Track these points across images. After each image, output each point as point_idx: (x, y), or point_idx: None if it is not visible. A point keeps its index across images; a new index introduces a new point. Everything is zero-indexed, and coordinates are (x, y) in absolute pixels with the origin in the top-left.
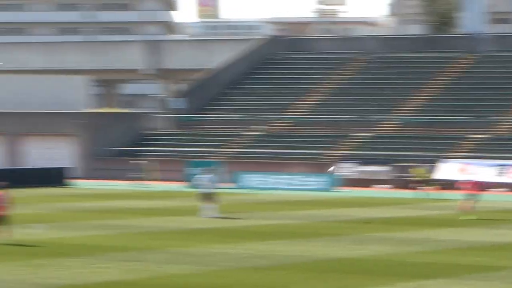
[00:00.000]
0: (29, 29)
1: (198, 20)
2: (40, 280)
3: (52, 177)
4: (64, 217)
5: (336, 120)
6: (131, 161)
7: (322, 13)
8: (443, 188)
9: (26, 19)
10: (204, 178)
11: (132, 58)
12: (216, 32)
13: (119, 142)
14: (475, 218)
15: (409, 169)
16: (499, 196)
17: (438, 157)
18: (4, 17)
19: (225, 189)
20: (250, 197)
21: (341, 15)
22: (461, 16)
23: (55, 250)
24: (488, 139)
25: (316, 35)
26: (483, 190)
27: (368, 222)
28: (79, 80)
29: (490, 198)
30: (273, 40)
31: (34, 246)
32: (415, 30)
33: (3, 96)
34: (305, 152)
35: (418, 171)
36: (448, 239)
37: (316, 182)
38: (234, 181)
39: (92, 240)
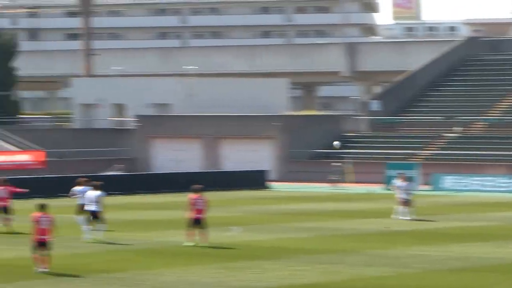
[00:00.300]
0: (227, 32)
1: (394, 22)
2: (238, 282)
3: (252, 179)
4: (261, 219)
5: None
6: (332, 164)
7: None
8: None
9: (224, 23)
10: (401, 184)
11: (331, 60)
12: (412, 34)
13: (317, 145)
14: None
15: None
16: None
17: None
18: (203, 21)
19: (421, 191)
20: (446, 199)
21: None
22: None
23: (251, 252)
24: None
25: None
26: None
27: None
28: (278, 83)
29: None
30: (472, 41)
31: (231, 248)
32: None
33: (204, 100)
34: (501, 154)
35: None
36: None
37: (509, 184)
38: (430, 183)
39: (288, 242)
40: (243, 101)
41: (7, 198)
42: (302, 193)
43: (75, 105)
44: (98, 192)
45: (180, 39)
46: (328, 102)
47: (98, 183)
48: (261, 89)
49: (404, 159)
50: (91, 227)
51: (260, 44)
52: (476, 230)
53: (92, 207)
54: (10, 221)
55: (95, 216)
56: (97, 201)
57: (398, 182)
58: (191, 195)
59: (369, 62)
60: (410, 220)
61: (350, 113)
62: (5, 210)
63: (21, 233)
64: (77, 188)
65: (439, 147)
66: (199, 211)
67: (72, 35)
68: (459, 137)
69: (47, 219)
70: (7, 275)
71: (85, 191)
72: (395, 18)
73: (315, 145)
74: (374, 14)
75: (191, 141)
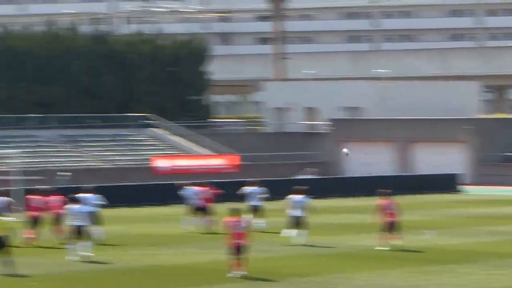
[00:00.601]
0: (419, 35)
1: None
2: (435, 286)
3: (443, 183)
4: (454, 223)
5: None
6: None
7: None
8: None
9: (416, 26)
10: None
11: None
12: None
13: (510, 148)
14: None
15: None
16: None
17: None
18: (395, 24)
19: None
20: None
21: None
22: None
23: (445, 256)
24: None
25: None
26: None
27: None
28: (470, 86)
29: None
30: None
31: (425, 252)
32: None
33: (397, 103)
34: None
35: None
36: None
37: None
38: None
39: (481, 246)
40: (435, 105)
41: (208, 199)
42: (495, 197)
43: (267, 109)
44: (301, 197)
45: (371, 43)
46: None
47: (303, 187)
48: (453, 92)
49: None
50: (296, 231)
51: (451, 47)
52: None
53: (297, 213)
54: (210, 223)
55: (299, 221)
56: (302, 206)
57: None
58: (380, 201)
59: None
60: None
61: None
62: (205, 210)
63: (215, 234)
64: (247, 188)
65: None
66: (391, 215)
67: (263, 39)
68: None
69: (242, 223)
70: (202, 278)
71: (255, 192)
72: None
73: (507, 148)
74: None
75: (382, 145)
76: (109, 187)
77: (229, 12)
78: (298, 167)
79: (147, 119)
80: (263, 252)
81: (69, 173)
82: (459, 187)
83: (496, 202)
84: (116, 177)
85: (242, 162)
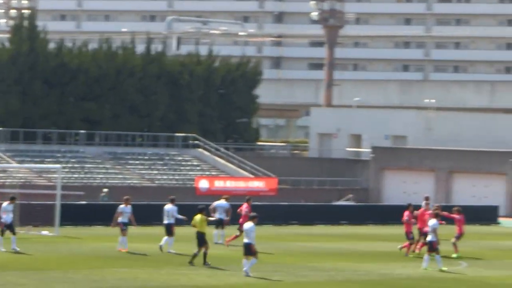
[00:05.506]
0: (469, 67)
1: None
2: None
3: (483, 215)
4: (492, 255)
5: None
6: None
7: None
8: None
9: (467, 58)
10: None
11: None
12: None
13: None
14: None
15: None
16: None
17: None
18: (446, 55)
19: None
20: None
21: None
22: None
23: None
24: None
25: None
26: None
27: None
28: None
29: None
30: None
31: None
32: None
33: (441, 134)
34: None
35: None
36: None
37: None
38: None
39: None
40: (480, 137)
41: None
42: None
43: (313, 134)
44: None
45: (421, 72)
46: None
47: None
48: (499, 125)
49: None
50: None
51: (501, 80)
52: None
53: (429, 237)
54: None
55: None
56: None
57: None
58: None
59: None
60: None
61: None
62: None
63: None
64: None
65: None
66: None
67: (314, 65)
68: None
69: None
70: None
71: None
72: None
73: None
74: None
75: (424, 174)
76: (148, 206)
77: (283, 36)
78: (339, 193)
79: (193, 139)
80: (297, 277)
81: (107, 190)
82: (499, 219)
83: None
84: (158, 196)
85: (281, 186)
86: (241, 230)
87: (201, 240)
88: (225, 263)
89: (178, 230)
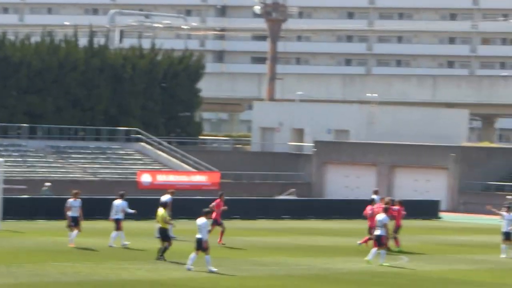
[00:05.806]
0: (412, 61)
1: None
2: None
3: (424, 209)
4: (432, 249)
5: None
6: (507, 197)
7: None
8: None
9: (409, 52)
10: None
11: (508, 93)
12: None
13: (493, 177)
14: None
15: None
16: None
17: None
18: (389, 49)
19: None
20: None
21: None
22: None
23: (420, 283)
24: None
25: None
26: None
27: None
28: (459, 114)
29: None
30: None
31: (398, 277)
32: None
33: (383, 128)
34: None
35: None
36: None
37: None
38: None
39: (457, 274)
40: (423, 131)
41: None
42: (474, 225)
43: (255, 128)
44: (383, 216)
45: (364, 66)
46: (507, 135)
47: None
48: (441, 119)
49: None
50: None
51: (442, 74)
52: None
53: (377, 232)
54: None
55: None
56: (381, 225)
57: None
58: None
59: None
60: None
61: None
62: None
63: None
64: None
65: None
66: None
67: (257, 59)
68: None
69: None
70: None
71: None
72: None
73: (490, 177)
74: None
75: (366, 168)
76: (92, 200)
77: (226, 30)
78: (280, 187)
79: (136, 133)
80: (239, 271)
81: (49, 183)
82: (440, 213)
83: (475, 230)
84: (100, 189)
85: (224, 180)
86: (217, 224)
87: (164, 235)
88: (175, 258)
89: (126, 224)
